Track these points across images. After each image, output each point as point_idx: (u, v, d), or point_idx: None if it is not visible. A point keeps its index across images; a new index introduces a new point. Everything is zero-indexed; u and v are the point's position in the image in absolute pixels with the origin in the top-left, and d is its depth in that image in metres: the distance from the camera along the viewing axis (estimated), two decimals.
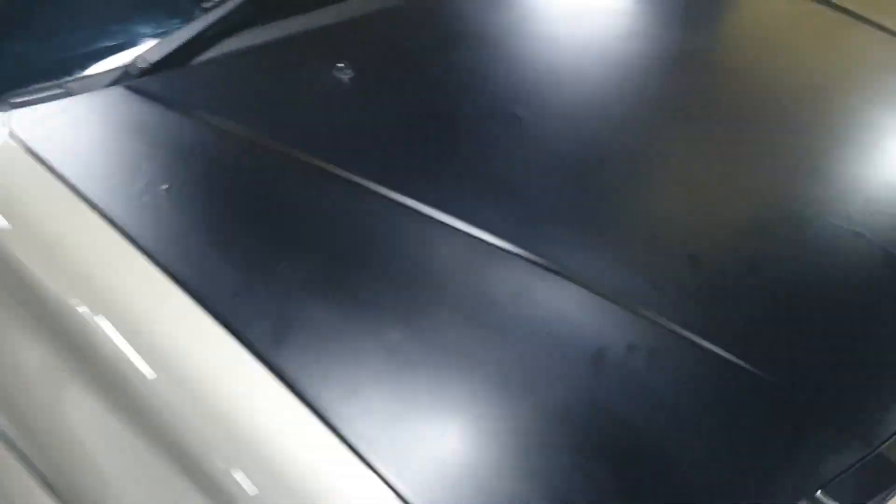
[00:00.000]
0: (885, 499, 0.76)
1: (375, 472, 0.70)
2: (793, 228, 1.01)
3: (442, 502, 0.69)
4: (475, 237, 0.93)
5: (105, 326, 0.85)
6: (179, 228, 0.95)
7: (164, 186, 0.97)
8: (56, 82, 1.13)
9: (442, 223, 0.94)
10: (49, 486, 0.89)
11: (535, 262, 0.89)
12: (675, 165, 1.12)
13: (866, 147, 1.18)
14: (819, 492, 0.74)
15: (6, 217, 0.98)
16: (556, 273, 0.88)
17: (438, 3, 1.33)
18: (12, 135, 1.04)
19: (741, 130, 1.18)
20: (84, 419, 0.87)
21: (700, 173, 1.11)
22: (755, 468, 0.75)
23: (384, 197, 0.98)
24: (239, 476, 0.72)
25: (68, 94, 1.11)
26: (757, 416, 0.78)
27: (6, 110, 1.07)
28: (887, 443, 0.78)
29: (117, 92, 1.12)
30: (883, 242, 0.99)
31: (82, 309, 0.87)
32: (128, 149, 1.05)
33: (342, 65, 1.16)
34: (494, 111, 1.13)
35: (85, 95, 1.11)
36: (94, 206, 0.95)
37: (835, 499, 0.74)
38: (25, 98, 1.09)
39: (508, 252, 0.92)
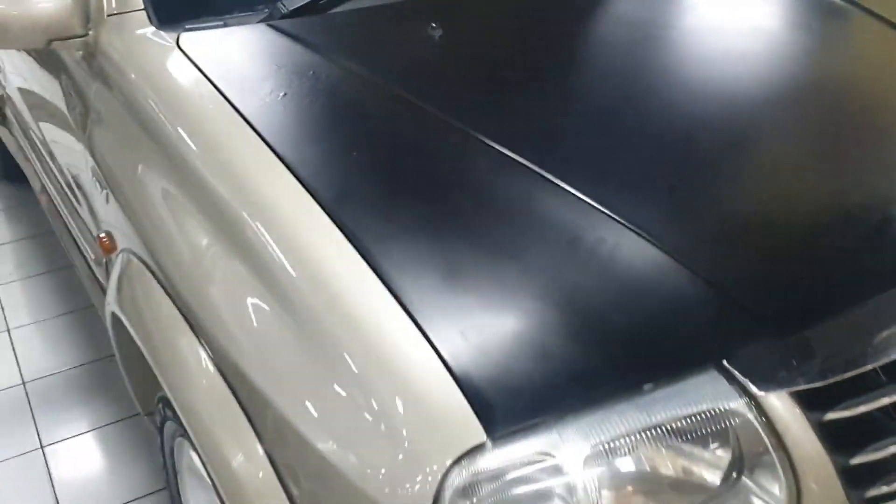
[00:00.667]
0: (786, 378, 0.98)
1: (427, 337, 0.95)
2: (721, 157, 1.24)
3: (474, 365, 0.93)
4: (517, 160, 1.20)
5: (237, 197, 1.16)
6: (293, 127, 1.26)
7: (282, 94, 1.29)
8: (218, 17, 1.48)
9: (497, 148, 1.21)
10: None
11: (562, 186, 1.14)
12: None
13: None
14: (725, 361, 0.97)
15: (171, 110, 1.32)
16: (582, 198, 1.13)
17: None
18: (181, 49, 1.38)
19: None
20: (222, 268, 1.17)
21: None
22: (679, 338, 0.99)
23: (459, 126, 1.26)
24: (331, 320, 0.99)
25: (225, 25, 1.45)
26: (685, 301, 1.01)
27: (178, 32, 1.42)
28: (794, 328, 0.99)
29: (261, 28, 1.45)
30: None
31: (221, 185, 1.18)
32: (262, 68, 1.37)
33: (434, 25, 1.45)
34: (552, 64, 1.41)
35: (237, 27, 1.44)
36: (234, 107, 1.27)
37: (738, 369, 0.97)
38: (194, 25, 1.44)
39: (541, 175, 1.17)
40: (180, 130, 1.28)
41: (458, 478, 0.88)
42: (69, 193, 1.93)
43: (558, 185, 1.14)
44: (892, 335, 1.02)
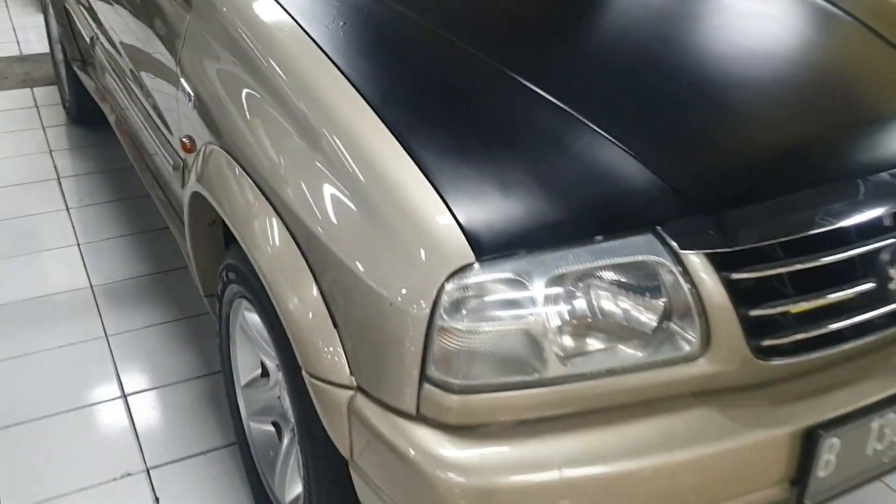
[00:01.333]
0: (704, 242, 1.29)
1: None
2: (682, 85, 1.59)
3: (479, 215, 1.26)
4: (529, 86, 1.53)
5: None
6: (352, 48, 1.61)
7: (342, 23, 1.64)
8: None
9: (513, 75, 1.54)
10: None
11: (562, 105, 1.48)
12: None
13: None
14: (659, 227, 1.29)
15: (255, 36, 1.67)
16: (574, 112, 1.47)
17: None
18: None
19: None
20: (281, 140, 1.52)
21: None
22: (627, 208, 1.32)
23: (479, 54, 1.60)
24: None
25: None
26: (634, 183, 1.34)
27: None
28: (716, 208, 1.32)
29: None
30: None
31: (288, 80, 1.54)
32: (327, 5, 1.72)
33: None
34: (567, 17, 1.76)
35: None
36: (306, 32, 1.62)
37: (668, 234, 1.29)
38: None
39: (543, 95, 1.51)
40: (263, 52, 1.63)
41: (451, 286, 1.22)
42: (152, 113, 2.29)
43: (555, 103, 1.48)
44: (798, 219, 1.34)
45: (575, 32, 1.77)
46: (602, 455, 1.28)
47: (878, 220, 1.40)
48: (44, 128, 3.96)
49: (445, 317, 1.23)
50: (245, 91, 1.66)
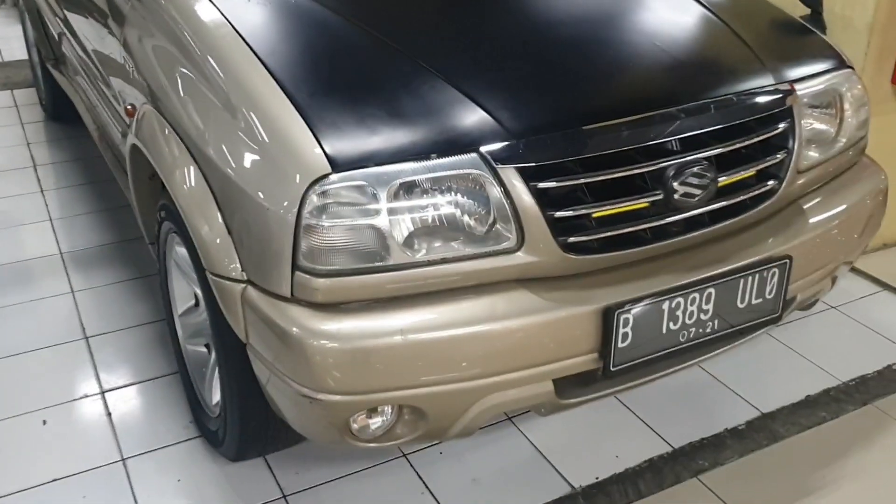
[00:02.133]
0: (515, 159, 1.65)
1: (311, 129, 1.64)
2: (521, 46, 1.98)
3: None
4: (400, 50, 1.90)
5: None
6: (257, 22, 1.96)
7: (249, 4, 2.01)
8: None
9: (387, 41, 1.91)
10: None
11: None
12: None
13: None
14: (482, 148, 1.65)
15: (186, 18, 2.03)
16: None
17: None
18: None
19: None
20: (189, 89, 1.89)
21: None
22: (458, 134, 1.67)
23: (364, 27, 1.96)
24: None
25: None
26: (463, 117, 1.70)
27: None
28: (528, 135, 1.68)
29: None
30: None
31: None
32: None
33: None
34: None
35: None
36: (223, 15, 1.97)
37: (489, 154, 1.65)
38: None
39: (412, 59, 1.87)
40: (189, 31, 1.99)
41: (313, 192, 1.58)
42: (106, 91, 2.65)
43: (410, 59, 1.85)
44: (591, 143, 1.70)
45: (434, 5, 2.15)
46: (437, 324, 1.64)
47: (663, 145, 1.77)
48: (22, 124, 4.32)
49: (309, 217, 1.59)
50: (171, 60, 2.03)
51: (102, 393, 2.45)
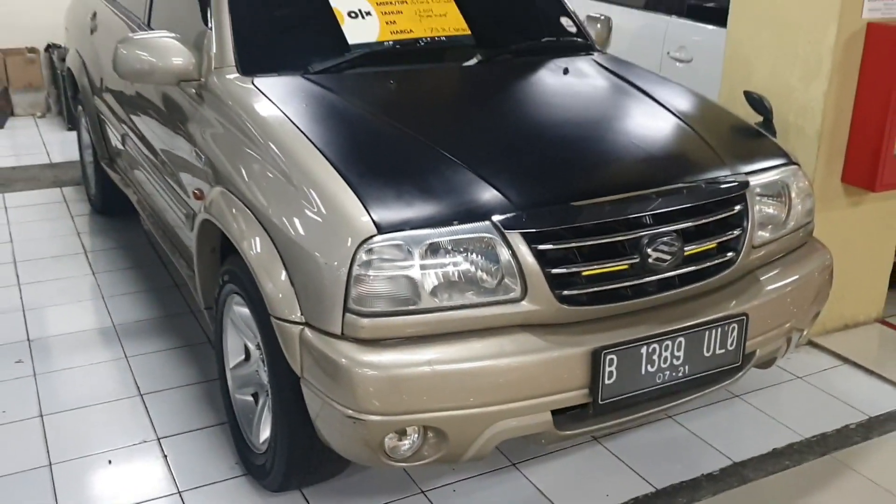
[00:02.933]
0: (521, 226, 2.08)
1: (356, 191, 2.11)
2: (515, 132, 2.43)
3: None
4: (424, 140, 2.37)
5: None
6: (315, 122, 2.43)
7: (305, 105, 2.49)
8: (275, 72, 2.70)
9: (415, 135, 2.38)
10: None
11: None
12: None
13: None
14: (494, 217, 2.08)
15: (249, 116, 2.51)
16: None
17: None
18: (255, 86, 2.60)
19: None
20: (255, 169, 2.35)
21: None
22: (474, 206, 2.11)
23: (398, 125, 2.44)
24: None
25: (279, 75, 2.67)
26: (478, 193, 2.14)
27: (253, 77, 2.64)
28: (530, 208, 2.11)
29: (299, 78, 2.67)
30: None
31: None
32: (298, 97, 2.57)
33: (392, 82, 2.67)
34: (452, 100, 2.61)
35: (286, 77, 2.66)
36: (283, 112, 2.46)
37: (500, 222, 2.08)
38: (261, 74, 2.66)
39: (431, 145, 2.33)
40: (254, 126, 2.47)
41: (362, 250, 2.00)
42: (170, 181, 3.11)
43: (436, 149, 2.32)
44: (582, 215, 2.14)
45: (456, 108, 2.66)
46: (457, 358, 2.03)
47: (639, 219, 2.21)
48: (72, 216, 4.79)
49: (358, 269, 2.01)
50: (237, 149, 2.49)
51: (158, 439, 2.80)
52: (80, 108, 4.77)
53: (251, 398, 2.63)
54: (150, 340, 3.43)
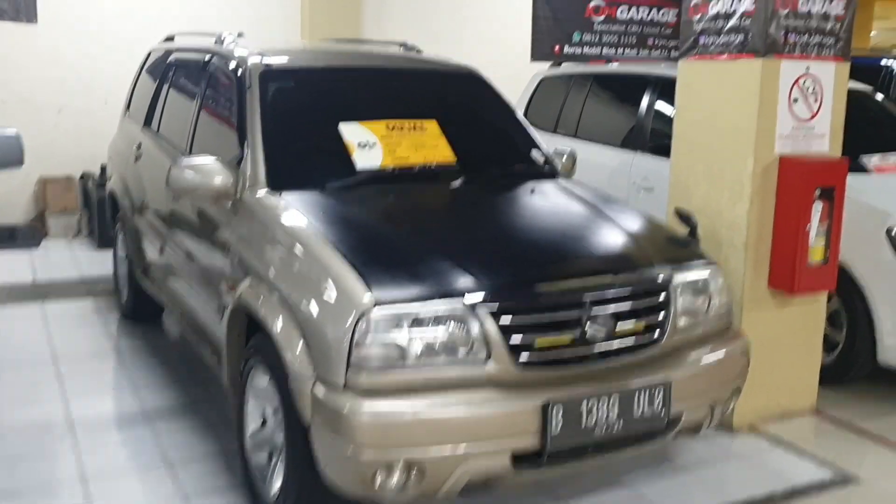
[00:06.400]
0: (487, 303, 2.67)
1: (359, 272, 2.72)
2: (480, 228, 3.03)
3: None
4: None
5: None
6: (330, 225, 3.07)
7: (323, 214, 3.14)
8: (298, 188, 3.36)
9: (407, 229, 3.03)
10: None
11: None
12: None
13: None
14: (466, 294, 2.68)
15: (278, 221, 3.17)
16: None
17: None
18: (284, 199, 3.25)
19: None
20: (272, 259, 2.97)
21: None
22: (450, 286, 2.71)
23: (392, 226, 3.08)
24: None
25: (301, 191, 3.34)
26: (455, 275, 2.74)
27: (281, 192, 3.30)
28: (495, 288, 2.71)
29: (317, 193, 3.33)
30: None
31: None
32: (317, 206, 3.22)
33: (390, 197, 3.34)
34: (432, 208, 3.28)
35: (306, 192, 3.33)
36: (305, 217, 3.10)
37: (471, 299, 2.67)
38: (288, 190, 3.32)
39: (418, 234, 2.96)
40: (280, 228, 3.11)
41: (362, 319, 2.59)
42: (202, 279, 3.72)
43: (423, 242, 2.95)
44: (535, 296, 2.74)
45: (441, 216, 3.34)
46: (435, 408, 2.59)
47: (581, 300, 2.80)
48: (104, 323, 5.39)
49: (359, 335, 2.59)
50: (268, 248, 3.12)
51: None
52: (117, 226, 5.45)
53: (266, 456, 3.15)
54: (176, 419, 3.95)
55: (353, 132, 3.62)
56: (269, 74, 3.77)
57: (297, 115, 3.73)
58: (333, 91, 3.94)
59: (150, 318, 5.28)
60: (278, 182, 3.39)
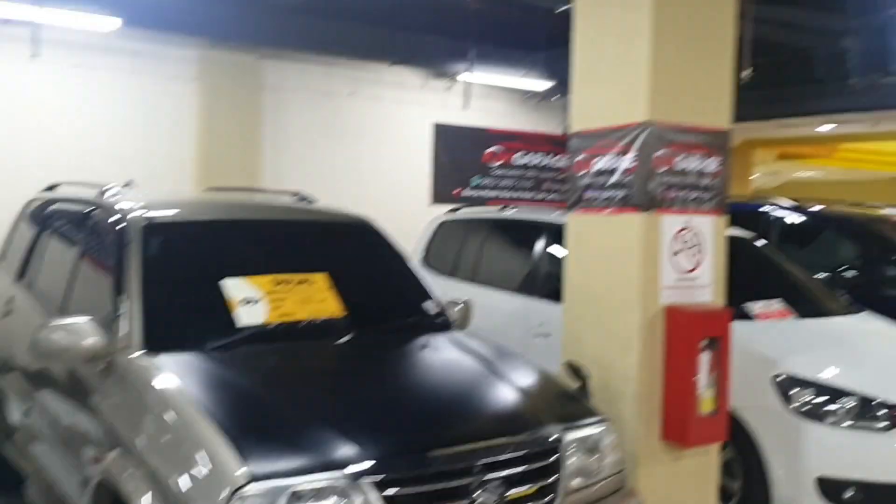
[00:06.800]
0: (373, 474, 2.53)
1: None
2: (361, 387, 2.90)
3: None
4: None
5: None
6: (205, 386, 2.90)
7: (197, 377, 2.97)
8: (174, 350, 3.20)
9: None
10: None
11: None
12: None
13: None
14: (349, 467, 2.54)
15: (148, 386, 2.97)
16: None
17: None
18: (159, 362, 3.07)
19: None
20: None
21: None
22: (335, 457, 2.56)
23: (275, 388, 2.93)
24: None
25: (178, 353, 3.17)
26: (339, 446, 2.60)
27: (155, 355, 3.13)
28: (382, 459, 2.58)
29: (194, 355, 3.17)
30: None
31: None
32: (196, 371, 3.05)
33: (276, 360, 3.20)
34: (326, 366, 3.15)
35: (183, 354, 3.16)
36: (179, 382, 2.93)
37: (352, 471, 2.53)
38: (162, 353, 3.15)
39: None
40: (153, 396, 2.92)
41: (237, 493, 2.41)
42: (69, 451, 3.44)
43: (304, 412, 2.80)
44: (420, 464, 2.61)
45: (326, 378, 3.21)
46: None
47: (470, 467, 2.69)
48: None
49: None
50: (138, 417, 2.92)
51: None
52: None
53: None
54: None
55: (236, 288, 3.50)
56: (151, 229, 3.66)
57: (180, 273, 3.60)
58: (220, 245, 3.84)
59: (9, 489, 4.85)
60: (155, 343, 3.22)
